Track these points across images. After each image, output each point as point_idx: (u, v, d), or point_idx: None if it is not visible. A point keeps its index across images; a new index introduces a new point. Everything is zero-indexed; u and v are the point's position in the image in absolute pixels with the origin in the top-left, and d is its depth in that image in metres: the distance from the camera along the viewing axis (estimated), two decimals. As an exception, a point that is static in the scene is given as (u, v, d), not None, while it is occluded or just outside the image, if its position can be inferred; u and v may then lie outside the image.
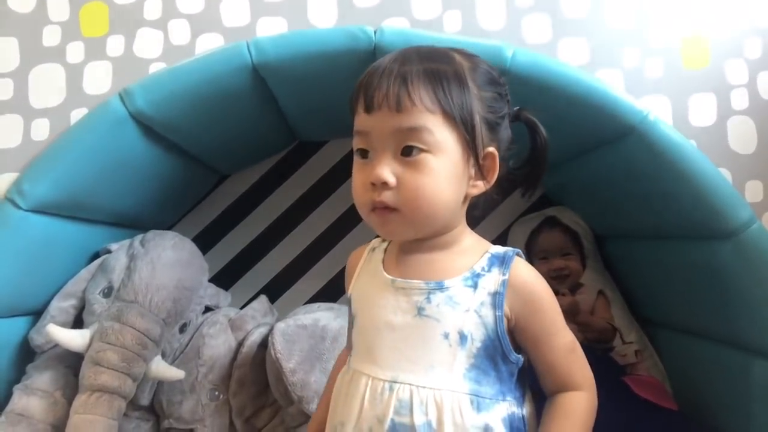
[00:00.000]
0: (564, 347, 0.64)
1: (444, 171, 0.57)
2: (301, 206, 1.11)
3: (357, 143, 0.60)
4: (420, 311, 0.60)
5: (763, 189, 0.75)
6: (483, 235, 1.07)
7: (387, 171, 0.57)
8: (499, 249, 0.64)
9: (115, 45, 0.78)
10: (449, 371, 0.59)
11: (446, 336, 0.60)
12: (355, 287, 0.66)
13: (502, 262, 0.62)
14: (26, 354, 0.85)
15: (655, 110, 0.74)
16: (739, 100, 0.75)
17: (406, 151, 0.57)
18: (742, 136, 0.75)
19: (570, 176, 0.97)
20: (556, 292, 1.01)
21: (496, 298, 0.60)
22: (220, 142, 0.93)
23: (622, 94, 0.74)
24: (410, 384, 0.58)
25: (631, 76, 0.76)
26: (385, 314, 0.61)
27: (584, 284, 1.03)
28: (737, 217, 0.72)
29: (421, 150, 0.56)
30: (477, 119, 0.58)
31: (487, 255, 0.63)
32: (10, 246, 0.76)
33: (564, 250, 1.04)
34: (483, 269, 0.62)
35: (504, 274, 0.61)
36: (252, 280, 1.11)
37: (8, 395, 0.81)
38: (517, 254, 0.63)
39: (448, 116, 0.56)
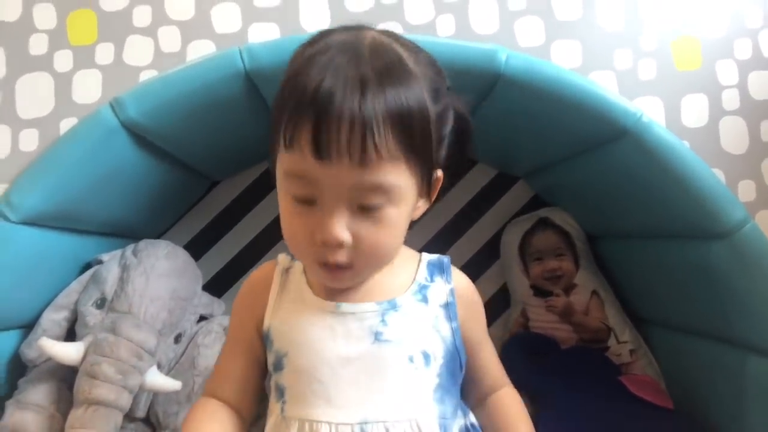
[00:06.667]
0: (492, 348, 0.65)
1: (402, 218, 0.51)
2: (294, 211, 1.10)
3: (296, 189, 0.49)
4: (377, 336, 0.54)
5: (755, 188, 0.76)
6: (476, 237, 1.09)
7: (343, 230, 0.48)
8: (431, 256, 0.62)
9: (105, 53, 0.77)
10: (419, 396, 0.54)
11: (411, 359, 0.54)
12: (275, 320, 0.56)
13: (441, 269, 0.60)
14: (17, 368, 0.83)
15: (648, 111, 0.75)
16: (731, 100, 0.76)
17: (366, 207, 0.49)
18: (734, 137, 0.76)
19: (563, 177, 0.98)
20: (550, 293, 1.03)
21: (449, 310, 0.58)
22: (213, 150, 0.92)
23: (616, 96, 0.74)
24: (384, 421, 0.52)
25: (624, 78, 0.77)
26: (335, 347, 0.53)
27: (578, 285, 1.04)
28: (731, 216, 0.73)
29: (383, 205, 0.49)
30: (433, 149, 0.51)
31: (423, 263, 0.60)
32: (0, 259, 0.75)
33: (557, 251, 1.05)
34: (426, 279, 0.58)
35: (449, 283, 0.59)
36: (245, 287, 1.10)
37: (0, 409, 0.79)
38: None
39: (411, 161, 0.49)
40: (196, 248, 1.07)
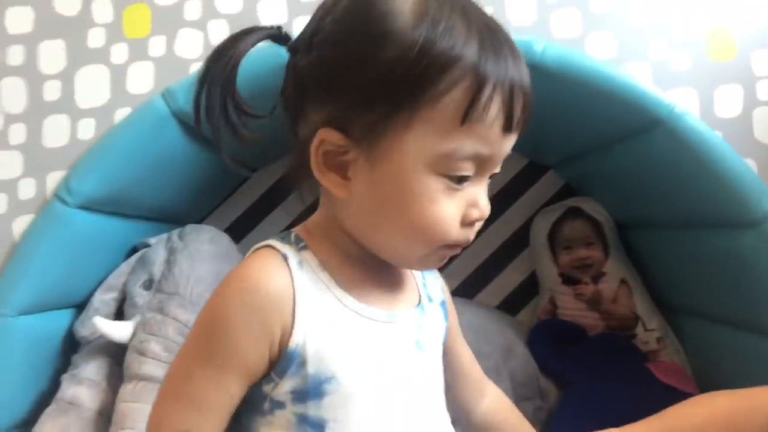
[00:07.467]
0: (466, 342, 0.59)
1: None
2: (328, 199, 1.13)
3: (461, 168, 0.43)
4: (418, 345, 0.48)
5: (788, 179, 0.76)
6: (506, 225, 1.11)
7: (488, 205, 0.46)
8: None
9: (157, 45, 0.80)
10: (444, 407, 0.51)
11: (439, 366, 0.51)
12: (312, 336, 0.43)
13: None
14: (70, 345, 0.88)
15: (682, 102, 0.75)
16: (765, 90, 0.77)
17: (492, 176, 0.47)
18: (767, 127, 0.76)
19: (595, 167, 0.99)
20: (579, 282, 1.04)
21: (444, 308, 0.54)
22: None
23: (650, 87, 0.75)
24: None
25: (659, 69, 0.78)
26: (387, 362, 0.46)
27: (607, 273, 1.05)
28: (762, 206, 0.73)
29: None
30: None
31: None
32: (59, 242, 0.80)
33: (587, 239, 1.06)
34: (422, 277, 0.53)
35: (436, 278, 0.55)
36: (281, 272, 1.12)
37: (53, 384, 0.84)
38: None
39: None
40: (233, 234, 1.10)
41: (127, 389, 0.80)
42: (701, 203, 0.80)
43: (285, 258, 0.45)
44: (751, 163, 0.76)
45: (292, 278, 0.44)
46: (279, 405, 0.44)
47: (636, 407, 0.86)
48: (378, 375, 0.45)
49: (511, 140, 0.45)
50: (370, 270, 0.48)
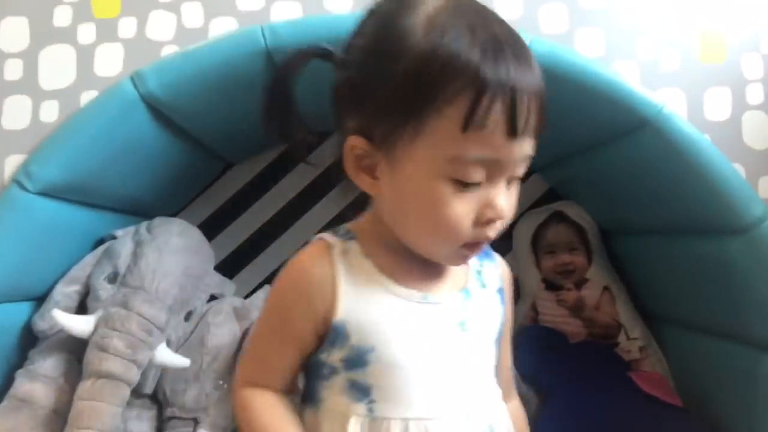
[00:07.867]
0: (510, 348, 0.62)
1: None
2: (307, 196, 1.10)
3: (471, 173, 0.46)
4: (462, 326, 0.53)
5: (776, 185, 0.75)
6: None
7: (508, 205, 0.49)
8: None
9: (128, 27, 0.77)
10: (494, 382, 0.56)
11: (489, 347, 0.56)
12: (353, 312, 0.51)
13: (485, 252, 0.58)
14: (28, 339, 0.84)
15: (670, 104, 0.74)
16: (755, 94, 0.75)
17: (515, 178, 0.49)
18: (756, 131, 0.75)
19: (580, 169, 0.97)
20: (562, 287, 1.03)
21: (502, 295, 0.58)
22: (230, 128, 0.92)
23: (638, 87, 0.74)
24: (484, 412, 0.53)
25: (647, 69, 0.76)
26: (428, 339, 0.52)
27: (590, 280, 1.03)
28: (750, 212, 0.72)
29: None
30: None
31: None
32: (16, 229, 0.76)
33: (570, 245, 1.04)
34: (479, 264, 0.58)
35: (496, 266, 0.59)
36: (257, 270, 1.10)
37: (7, 380, 0.80)
38: None
39: None
40: (209, 229, 1.07)
41: (85, 386, 0.77)
42: (687, 208, 0.79)
43: (330, 248, 0.53)
44: (739, 168, 0.74)
45: (334, 265, 0.52)
46: (334, 371, 0.52)
47: (617, 416, 0.85)
48: (417, 349, 0.51)
49: (520, 144, 0.46)
50: (412, 258, 0.53)
